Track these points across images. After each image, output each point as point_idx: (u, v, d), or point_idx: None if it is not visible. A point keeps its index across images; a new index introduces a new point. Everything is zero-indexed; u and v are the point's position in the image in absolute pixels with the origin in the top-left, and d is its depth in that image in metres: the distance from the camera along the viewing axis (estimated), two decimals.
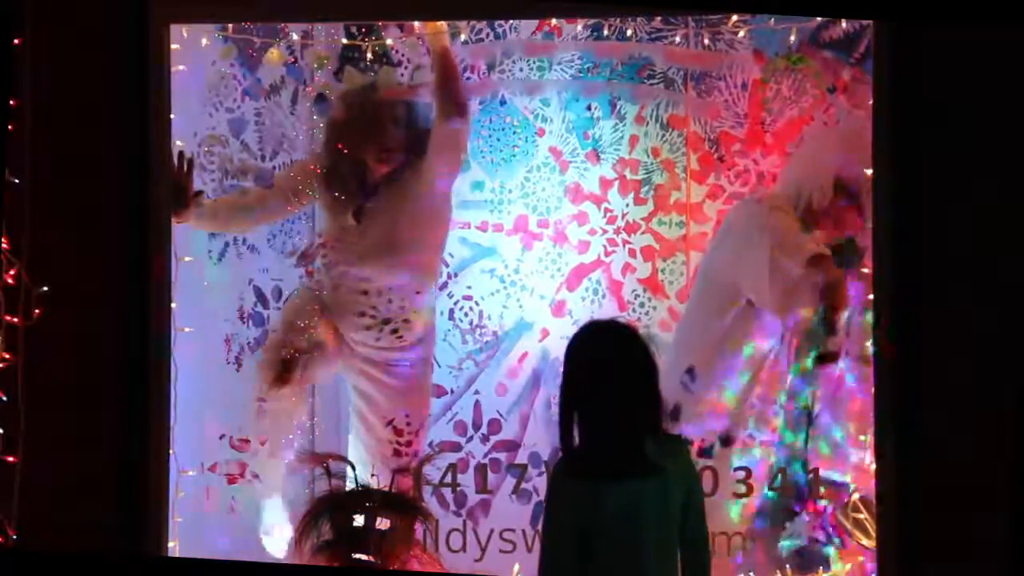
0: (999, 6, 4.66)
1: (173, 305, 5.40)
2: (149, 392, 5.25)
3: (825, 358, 5.63)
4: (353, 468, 5.50)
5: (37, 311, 5.21)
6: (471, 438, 6.26)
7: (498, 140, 6.37)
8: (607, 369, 4.14)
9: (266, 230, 6.32)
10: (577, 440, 4.12)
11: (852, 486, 5.70)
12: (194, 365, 5.75)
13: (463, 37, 6.26)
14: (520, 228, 6.33)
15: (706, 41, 6.26)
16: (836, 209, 5.78)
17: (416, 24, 6.17)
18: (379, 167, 6.02)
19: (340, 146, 6.03)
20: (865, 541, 5.59)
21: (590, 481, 4.07)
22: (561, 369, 4.23)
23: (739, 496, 5.84)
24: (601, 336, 4.29)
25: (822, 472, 5.75)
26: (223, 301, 6.19)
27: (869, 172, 5.26)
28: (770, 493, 5.76)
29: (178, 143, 5.61)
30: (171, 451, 5.37)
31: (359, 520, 5.24)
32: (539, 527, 5.57)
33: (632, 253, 6.44)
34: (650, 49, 6.27)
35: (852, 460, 5.72)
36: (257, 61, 6.22)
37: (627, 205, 6.44)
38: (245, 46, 6.18)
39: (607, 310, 6.44)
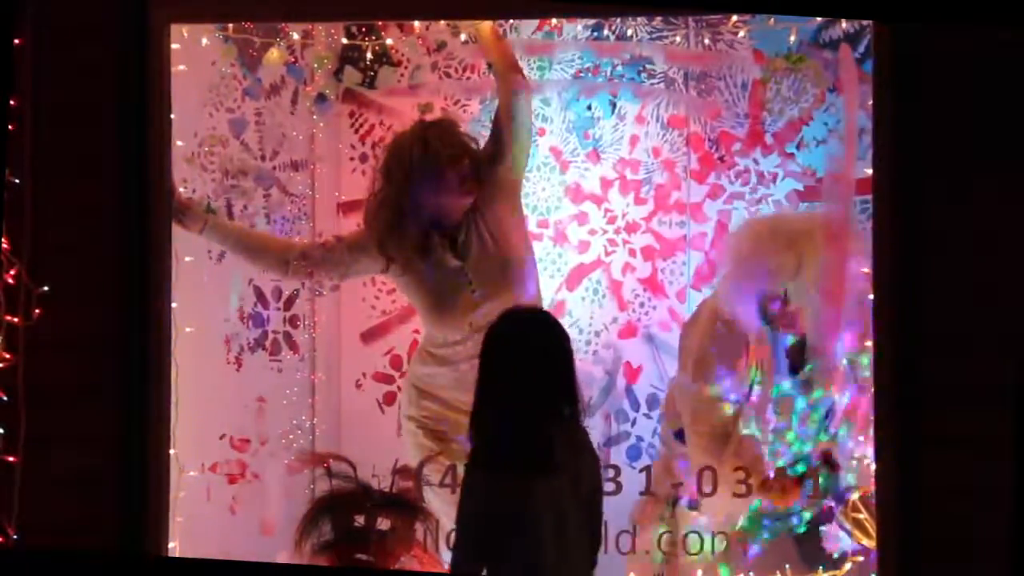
0: (999, 6, 4.66)
1: (173, 305, 5.39)
2: (149, 392, 5.25)
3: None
4: (354, 468, 5.49)
5: (37, 311, 5.21)
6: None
7: None
8: (516, 358, 4.13)
9: (267, 230, 6.32)
10: (488, 430, 4.11)
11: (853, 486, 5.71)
12: (194, 365, 5.75)
13: (463, 37, 6.27)
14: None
15: (706, 41, 6.26)
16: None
17: (416, 24, 6.18)
18: (461, 201, 5.74)
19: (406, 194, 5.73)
20: (865, 541, 5.59)
21: (495, 473, 4.07)
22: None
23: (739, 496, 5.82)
24: (513, 325, 4.29)
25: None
26: (223, 301, 6.18)
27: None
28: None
29: (178, 143, 5.61)
30: (171, 451, 5.37)
31: (359, 520, 5.24)
32: None
33: (632, 253, 6.45)
34: (650, 49, 6.28)
35: (852, 460, 5.72)
36: (257, 61, 6.22)
37: (627, 205, 6.44)
38: (245, 46, 6.17)
39: (607, 310, 6.45)
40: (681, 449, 5.80)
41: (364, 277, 6.29)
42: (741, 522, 5.67)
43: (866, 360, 5.52)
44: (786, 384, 5.68)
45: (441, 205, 5.73)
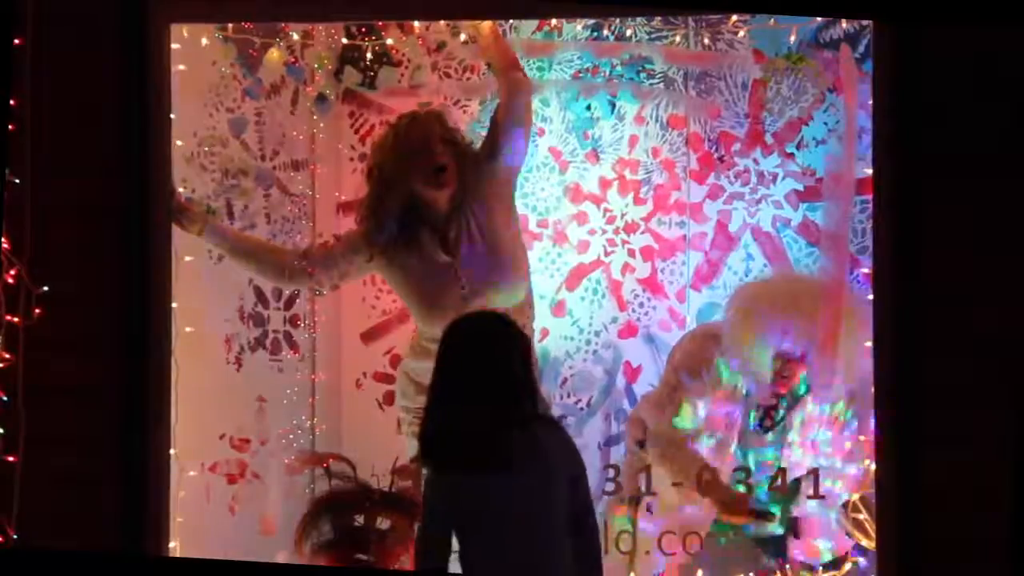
0: (999, 6, 4.66)
1: (173, 305, 5.40)
2: (149, 392, 5.25)
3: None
4: (354, 468, 5.49)
5: (37, 311, 5.21)
6: None
7: None
8: (467, 359, 4.15)
9: (266, 230, 6.33)
10: (437, 430, 4.14)
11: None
12: (194, 365, 5.75)
13: (463, 37, 6.26)
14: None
15: (706, 41, 6.26)
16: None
17: (416, 24, 6.17)
18: (437, 192, 5.72)
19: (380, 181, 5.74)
20: (865, 541, 5.60)
21: (451, 472, 4.11)
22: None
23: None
24: (465, 328, 4.33)
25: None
26: (223, 301, 6.18)
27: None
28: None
29: (178, 143, 5.61)
30: (171, 451, 5.37)
31: (359, 520, 5.25)
32: None
33: (631, 253, 6.45)
34: (650, 49, 6.28)
35: (852, 460, 5.73)
36: (257, 61, 6.22)
37: (627, 205, 6.44)
38: (245, 46, 6.17)
39: (607, 310, 6.45)
40: (644, 456, 5.81)
41: (364, 276, 6.28)
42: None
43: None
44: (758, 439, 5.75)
45: (418, 195, 5.73)
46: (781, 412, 5.71)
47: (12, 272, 5.19)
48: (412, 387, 5.94)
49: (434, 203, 5.73)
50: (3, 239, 5.17)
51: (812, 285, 5.73)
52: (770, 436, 5.73)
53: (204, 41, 5.97)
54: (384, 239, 5.77)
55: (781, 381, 5.63)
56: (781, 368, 5.60)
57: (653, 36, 6.28)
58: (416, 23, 6.16)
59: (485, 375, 4.20)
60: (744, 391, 5.68)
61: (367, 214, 5.81)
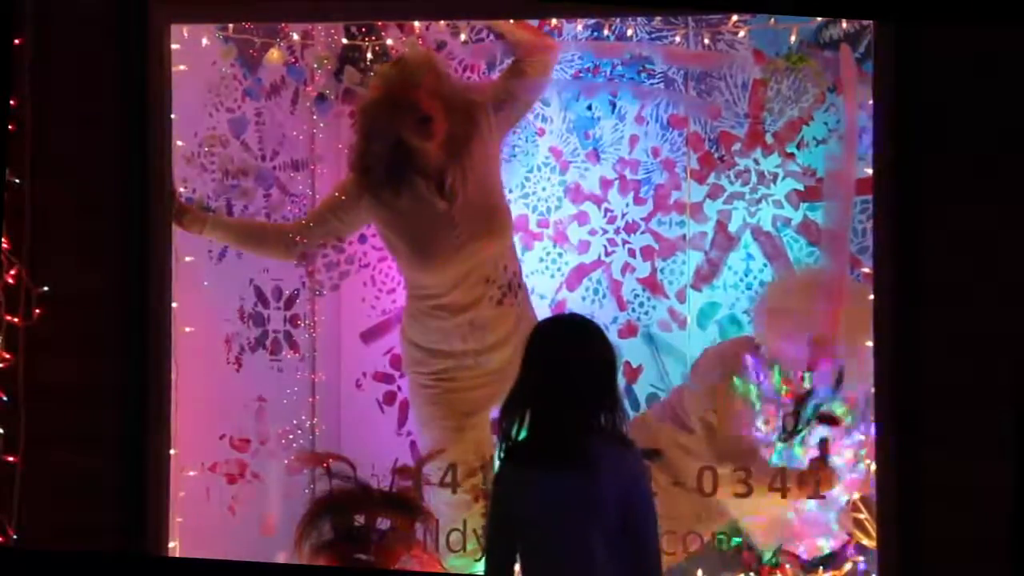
0: (999, 6, 4.66)
1: (173, 305, 5.40)
2: (149, 392, 5.26)
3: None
4: (354, 468, 5.49)
5: (37, 311, 5.21)
6: None
7: None
8: (561, 363, 4.14)
9: None
10: (523, 433, 4.14)
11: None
12: (194, 365, 5.75)
13: (463, 37, 6.26)
14: (520, 228, 6.33)
15: (706, 41, 6.26)
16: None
17: (416, 24, 6.17)
18: (424, 141, 5.76)
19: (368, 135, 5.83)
20: (865, 541, 5.60)
21: (521, 469, 4.10)
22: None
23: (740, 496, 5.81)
24: (559, 326, 4.33)
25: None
26: (223, 301, 6.19)
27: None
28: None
29: (178, 143, 5.62)
30: (171, 451, 5.37)
31: (359, 520, 5.25)
32: None
33: (632, 253, 6.44)
34: (650, 49, 6.27)
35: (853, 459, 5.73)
36: (257, 61, 6.22)
37: (627, 205, 6.44)
38: (245, 46, 6.17)
39: (607, 310, 6.44)
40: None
41: (361, 226, 6.25)
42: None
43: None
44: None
45: (407, 143, 5.76)
46: (805, 417, 5.71)
47: (12, 272, 5.20)
48: (417, 352, 5.99)
49: (423, 152, 5.78)
50: (3, 239, 5.17)
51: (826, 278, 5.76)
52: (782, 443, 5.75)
53: (204, 41, 5.98)
54: (373, 182, 5.82)
55: (809, 376, 5.66)
56: (810, 358, 5.62)
57: (653, 36, 6.27)
58: (416, 23, 6.16)
59: (574, 376, 4.18)
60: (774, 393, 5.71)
61: (356, 159, 5.88)
